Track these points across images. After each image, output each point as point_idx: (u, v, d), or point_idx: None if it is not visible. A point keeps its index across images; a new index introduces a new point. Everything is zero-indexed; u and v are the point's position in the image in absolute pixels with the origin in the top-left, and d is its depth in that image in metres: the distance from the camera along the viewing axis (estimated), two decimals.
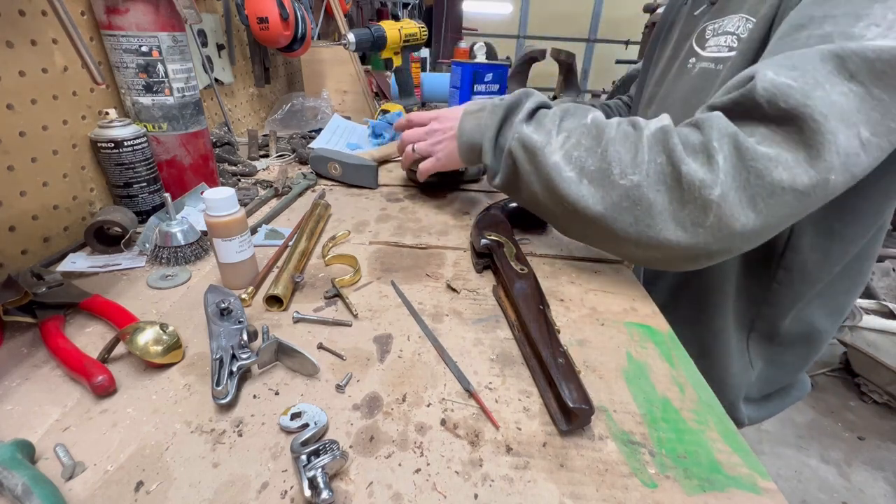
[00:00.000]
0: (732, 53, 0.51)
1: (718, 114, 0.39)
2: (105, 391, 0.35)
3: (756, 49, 0.48)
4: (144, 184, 0.60)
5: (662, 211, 0.40)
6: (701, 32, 0.58)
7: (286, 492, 0.28)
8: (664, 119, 0.42)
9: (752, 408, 0.65)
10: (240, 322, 0.40)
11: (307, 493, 0.27)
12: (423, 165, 0.64)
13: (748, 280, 0.57)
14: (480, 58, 0.95)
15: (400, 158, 0.93)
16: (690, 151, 0.39)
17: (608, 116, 0.61)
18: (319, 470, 0.28)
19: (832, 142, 0.34)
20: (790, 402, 0.67)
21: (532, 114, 0.50)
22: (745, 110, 0.38)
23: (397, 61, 1.12)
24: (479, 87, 0.92)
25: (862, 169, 0.36)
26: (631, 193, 0.41)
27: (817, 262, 0.53)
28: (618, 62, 3.61)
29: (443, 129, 0.61)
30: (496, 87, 0.94)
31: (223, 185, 0.75)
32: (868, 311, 1.66)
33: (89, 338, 0.42)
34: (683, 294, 0.63)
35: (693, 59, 0.58)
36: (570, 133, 0.46)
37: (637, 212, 0.41)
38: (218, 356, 0.36)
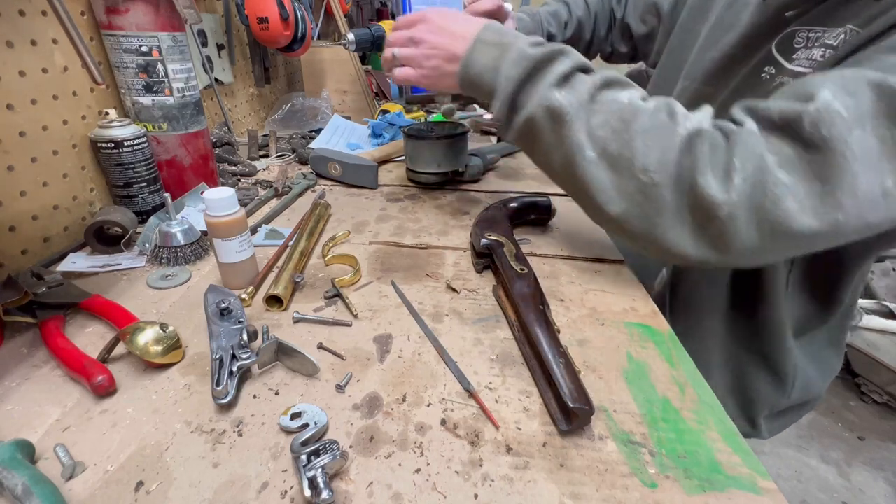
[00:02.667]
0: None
1: (752, 129, 0.38)
2: (105, 391, 0.35)
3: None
4: (144, 184, 0.60)
5: (673, 213, 0.40)
6: (787, 37, 0.49)
7: (286, 492, 0.28)
8: (705, 120, 0.40)
9: (773, 421, 0.64)
10: (240, 322, 0.40)
11: (307, 493, 0.27)
12: (400, 73, 0.55)
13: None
14: None
15: (401, 158, 0.94)
16: (714, 163, 0.38)
17: (581, 31, 0.56)
18: (319, 470, 0.27)
19: (850, 183, 0.34)
20: (806, 411, 0.66)
21: (566, 78, 0.44)
22: (788, 124, 0.36)
23: None
24: None
25: (880, 218, 0.35)
26: (647, 189, 0.40)
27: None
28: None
29: (435, 43, 0.52)
30: None
31: (223, 185, 0.75)
32: (868, 311, 1.66)
33: (89, 338, 0.42)
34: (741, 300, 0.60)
35: (771, 69, 0.49)
36: (602, 108, 0.42)
37: (648, 207, 0.41)
38: (218, 356, 0.36)
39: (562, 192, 0.77)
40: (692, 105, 0.54)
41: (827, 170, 0.34)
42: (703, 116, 0.41)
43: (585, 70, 0.46)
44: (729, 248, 0.39)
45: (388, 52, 0.56)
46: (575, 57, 0.46)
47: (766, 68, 0.50)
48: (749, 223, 0.37)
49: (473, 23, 0.50)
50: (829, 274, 0.54)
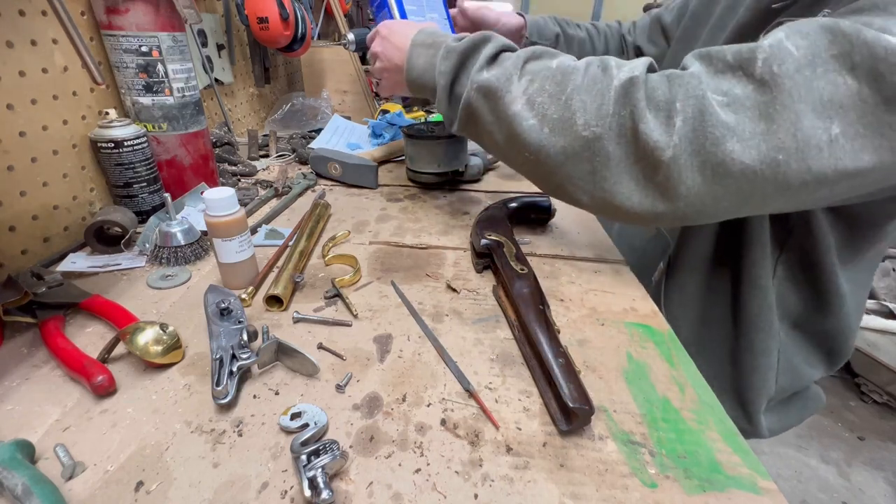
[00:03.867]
0: None
1: (694, 73, 0.38)
2: (105, 391, 0.35)
3: None
4: (144, 184, 0.60)
5: (619, 163, 0.40)
6: (773, 28, 0.52)
7: (286, 492, 0.28)
8: (637, 68, 0.40)
9: (772, 417, 0.64)
10: (240, 322, 0.40)
11: (307, 493, 0.27)
12: (378, 88, 0.61)
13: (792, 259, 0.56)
14: None
15: (401, 158, 0.94)
16: (653, 108, 0.38)
17: (592, 41, 0.55)
18: (319, 470, 0.27)
19: (792, 122, 0.33)
20: (808, 414, 0.66)
21: (492, 59, 0.47)
22: (741, 63, 0.36)
23: None
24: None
25: (823, 166, 0.34)
26: (592, 145, 0.41)
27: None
28: None
29: (384, 56, 0.57)
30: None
31: (223, 185, 0.75)
32: (868, 311, 1.66)
33: (89, 338, 0.42)
34: (718, 284, 0.61)
35: None
36: (534, 77, 0.43)
37: (595, 162, 0.41)
38: (218, 356, 0.36)
39: None
40: None
41: (772, 109, 0.34)
42: (638, 65, 0.41)
43: (511, 50, 0.48)
44: (676, 196, 0.39)
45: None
46: (499, 40, 0.48)
47: None
48: (691, 166, 0.37)
49: (410, 31, 0.54)
50: (818, 268, 0.54)
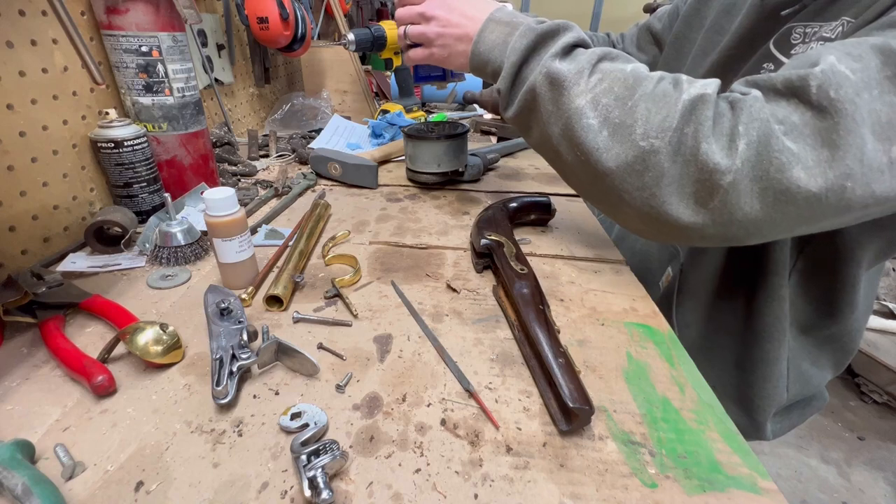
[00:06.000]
0: None
1: (757, 95, 0.37)
2: (105, 391, 0.35)
3: None
4: (144, 184, 0.60)
5: (672, 182, 0.39)
6: (784, 34, 0.50)
7: (286, 492, 0.28)
8: (709, 86, 0.39)
9: (777, 420, 0.63)
10: (240, 322, 0.40)
11: (307, 493, 0.27)
12: (412, 53, 0.57)
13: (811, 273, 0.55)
14: None
15: (401, 158, 0.94)
16: (718, 131, 0.37)
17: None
18: (319, 470, 0.28)
19: (859, 148, 0.33)
20: (812, 413, 0.65)
21: (569, 49, 0.45)
22: (794, 90, 0.35)
23: (397, 61, 1.12)
24: None
25: (885, 189, 0.34)
26: (647, 157, 0.39)
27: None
28: None
29: (447, 21, 0.53)
30: None
31: (223, 185, 0.75)
32: None
33: (89, 338, 0.42)
34: (730, 294, 0.60)
35: (770, 66, 0.51)
36: (605, 76, 0.42)
37: (647, 177, 0.39)
38: (218, 356, 0.36)
39: (562, 192, 0.78)
40: None
41: (835, 135, 0.33)
42: (709, 83, 0.39)
43: (586, 46, 0.46)
44: (730, 221, 0.38)
45: (399, 29, 0.57)
46: (578, 32, 0.46)
47: (764, 65, 0.51)
48: (751, 192, 0.36)
49: (484, 5, 0.51)
50: (834, 274, 0.54)
